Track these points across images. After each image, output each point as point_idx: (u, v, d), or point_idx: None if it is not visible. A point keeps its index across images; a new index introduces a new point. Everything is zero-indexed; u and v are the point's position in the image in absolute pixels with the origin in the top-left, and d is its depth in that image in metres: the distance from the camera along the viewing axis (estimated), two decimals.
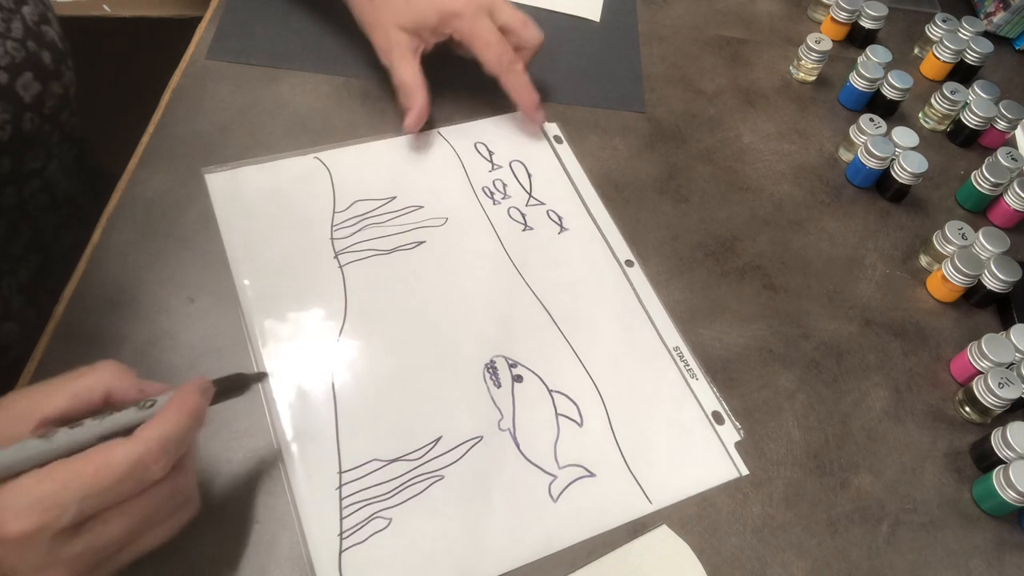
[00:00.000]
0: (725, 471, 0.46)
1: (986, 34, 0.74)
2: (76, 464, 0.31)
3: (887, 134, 0.62)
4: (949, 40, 0.70)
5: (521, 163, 0.59)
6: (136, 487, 0.32)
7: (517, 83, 0.57)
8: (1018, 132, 0.67)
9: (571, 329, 0.50)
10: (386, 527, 0.41)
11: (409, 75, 0.55)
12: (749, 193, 0.61)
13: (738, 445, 0.47)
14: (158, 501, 0.34)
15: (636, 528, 0.43)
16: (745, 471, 0.46)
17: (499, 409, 0.46)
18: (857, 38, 0.73)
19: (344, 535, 0.41)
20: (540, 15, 0.71)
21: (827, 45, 0.68)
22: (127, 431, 0.33)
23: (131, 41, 0.58)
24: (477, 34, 0.55)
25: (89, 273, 0.48)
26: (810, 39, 0.68)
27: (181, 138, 0.54)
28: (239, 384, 0.40)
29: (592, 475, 0.45)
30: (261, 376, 0.44)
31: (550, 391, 0.48)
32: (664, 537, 0.43)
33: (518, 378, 0.48)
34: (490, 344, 0.49)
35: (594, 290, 0.53)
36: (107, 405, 0.34)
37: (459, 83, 0.62)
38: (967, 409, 0.51)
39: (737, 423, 0.48)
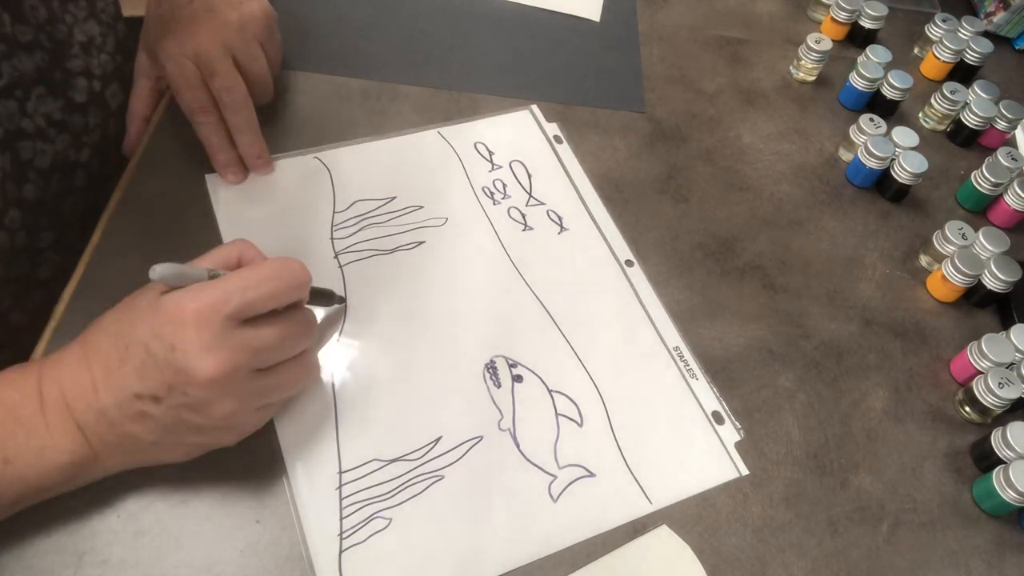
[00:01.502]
0: (725, 471, 0.46)
1: (986, 34, 0.74)
2: (236, 271, 0.38)
3: (887, 134, 0.62)
4: (949, 40, 0.70)
5: (521, 163, 0.59)
6: (281, 285, 0.39)
7: (201, 133, 0.52)
8: (1018, 132, 0.67)
9: (571, 329, 0.50)
10: (386, 527, 0.41)
11: (132, 99, 0.57)
12: (749, 193, 0.61)
13: (738, 445, 0.47)
14: (296, 324, 0.40)
15: (636, 528, 0.43)
16: (745, 471, 0.46)
17: (499, 409, 0.46)
18: (857, 38, 0.73)
19: (344, 535, 0.41)
20: (540, 15, 0.71)
21: (827, 45, 0.68)
22: None
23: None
24: (172, 75, 0.51)
25: (89, 273, 0.48)
26: (810, 39, 0.68)
27: (181, 138, 0.54)
28: (328, 296, 0.47)
29: (592, 475, 0.45)
30: (342, 299, 0.49)
31: (550, 391, 0.48)
32: (664, 537, 0.43)
33: (518, 378, 0.48)
34: (490, 344, 0.49)
35: (594, 290, 0.53)
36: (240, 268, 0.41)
37: (458, 82, 0.63)
38: (967, 409, 0.51)
39: (737, 423, 0.48)
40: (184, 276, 0.37)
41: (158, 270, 0.36)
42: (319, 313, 0.47)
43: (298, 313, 0.41)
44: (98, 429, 0.37)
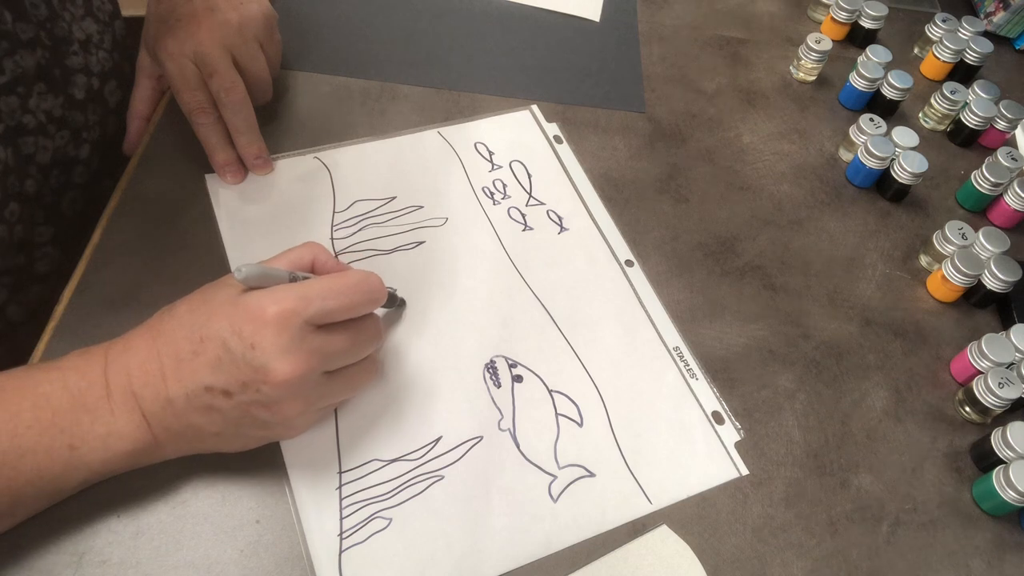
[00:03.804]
0: (725, 471, 0.46)
1: (986, 34, 0.74)
2: (317, 278, 0.40)
3: (887, 134, 0.62)
4: (949, 40, 0.70)
5: (521, 163, 0.59)
6: (359, 299, 0.40)
7: (199, 133, 0.52)
8: (1018, 132, 0.67)
9: (571, 329, 0.50)
10: (386, 527, 0.41)
11: (134, 98, 0.57)
12: (749, 193, 0.61)
13: (738, 445, 0.47)
14: (364, 332, 0.41)
15: (636, 528, 0.43)
16: (745, 471, 0.46)
17: (499, 409, 0.46)
18: (857, 38, 0.73)
19: (344, 535, 0.41)
20: (540, 15, 0.71)
21: (827, 45, 0.68)
22: None
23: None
24: (171, 75, 0.51)
25: (89, 273, 0.48)
26: (810, 39, 0.68)
27: (181, 138, 0.54)
28: (391, 298, 0.47)
29: (592, 475, 0.45)
30: (403, 301, 0.50)
31: (550, 391, 0.48)
32: (664, 537, 0.43)
33: (518, 378, 0.48)
34: (490, 344, 0.49)
35: (594, 290, 0.53)
36: (314, 271, 0.43)
37: (458, 82, 0.62)
38: (967, 409, 0.51)
39: (737, 423, 0.48)
40: (268, 277, 0.38)
41: (244, 271, 0.37)
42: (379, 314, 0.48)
43: (367, 320, 0.42)
44: (163, 418, 0.38)
